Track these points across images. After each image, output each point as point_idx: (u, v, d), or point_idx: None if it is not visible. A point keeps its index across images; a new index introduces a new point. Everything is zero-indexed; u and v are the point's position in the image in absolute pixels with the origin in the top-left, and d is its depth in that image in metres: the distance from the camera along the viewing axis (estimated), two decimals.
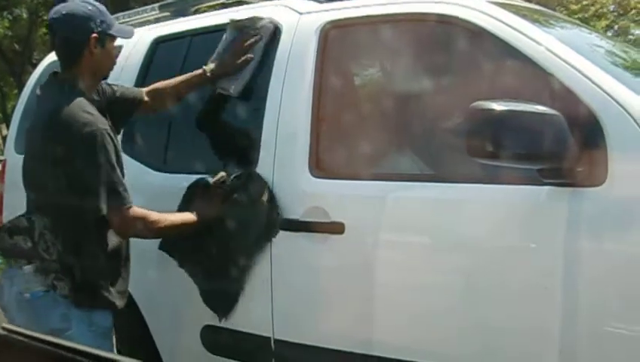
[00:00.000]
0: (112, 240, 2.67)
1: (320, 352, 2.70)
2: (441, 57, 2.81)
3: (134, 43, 3.56)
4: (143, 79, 3.44)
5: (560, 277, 2.27)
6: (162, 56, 3.52)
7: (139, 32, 3.78)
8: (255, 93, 3.03)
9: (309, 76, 2.85)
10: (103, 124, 2.59)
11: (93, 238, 2.62)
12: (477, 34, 2.57)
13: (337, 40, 2.93)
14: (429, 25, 2.76)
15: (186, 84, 3.11)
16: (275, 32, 3.03)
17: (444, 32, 2.75)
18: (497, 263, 2.41)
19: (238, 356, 2.97)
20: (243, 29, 3.08)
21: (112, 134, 2.61)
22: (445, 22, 2.67)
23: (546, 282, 2.30)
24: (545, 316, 2.30)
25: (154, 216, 2.70)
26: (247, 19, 3.11)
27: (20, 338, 0.94)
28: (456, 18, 2.61)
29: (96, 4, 2.74)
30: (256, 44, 3.05)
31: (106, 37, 2.72)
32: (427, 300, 2.53)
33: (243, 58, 3.04)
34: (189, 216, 2.83)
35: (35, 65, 9.71)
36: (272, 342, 2.82)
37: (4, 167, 4.02)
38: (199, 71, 3.09)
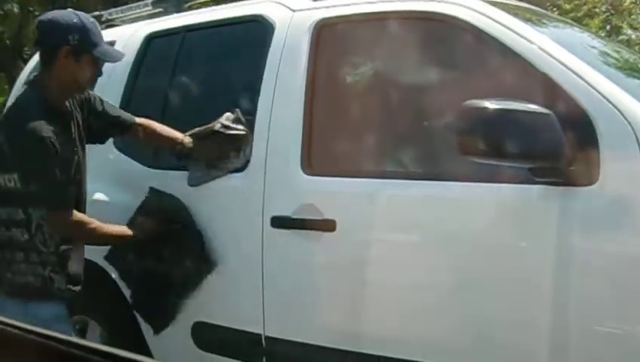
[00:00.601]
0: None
1: (311, 349, 2.70)
2: (433, 55, 2.81)
3: (127, 39, 3.55)
4: (135, 75, 3.43)
5: (552, 275, 2.27)
6: (155, 52, 3.51)
7: (132, 27, 3.78)
8: (247, 91, 3.02)
9: (302, 74, 2.84)
10: (47, 131, 2.58)
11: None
12: (470, 32, 2.57)
13: (331, 37, 2.92)
14: (421, 23, 2.76)
15: (166, 143, 3.10)
16: None
17: (436, 30, 2.75)
18: (489, 261, 2.41)
19: (229, 353, 2.96)
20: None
21: (53, 141, 2.60)
22: (438, 20, 2.66)
23: (538, 281, 2.31)
24: (537, 315, 2.30)
25: (94, 223, 2.74)
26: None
27: None
28: (450, 16, 2.61)
29: (87, 19, 2.74)
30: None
31: (84, 53, 2.71)
32: (419, 298, 2.53)
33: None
34: (126, 232, 2.88)
35: (26, 61, 9.66)
36: (263, 338, 2.82)
37: None
38: (180, 137, 3.05)
